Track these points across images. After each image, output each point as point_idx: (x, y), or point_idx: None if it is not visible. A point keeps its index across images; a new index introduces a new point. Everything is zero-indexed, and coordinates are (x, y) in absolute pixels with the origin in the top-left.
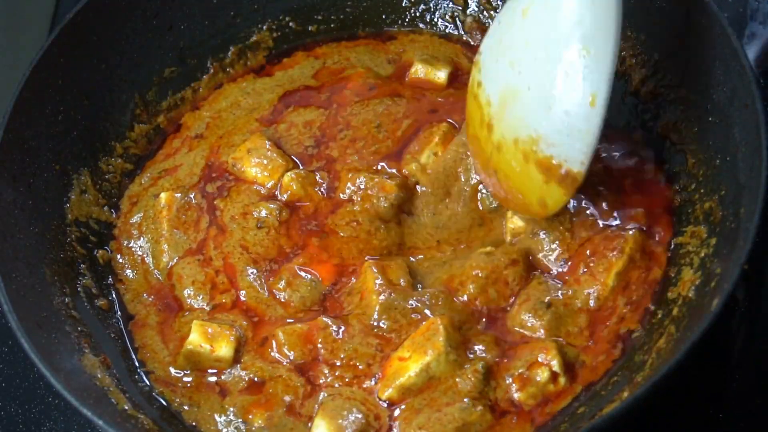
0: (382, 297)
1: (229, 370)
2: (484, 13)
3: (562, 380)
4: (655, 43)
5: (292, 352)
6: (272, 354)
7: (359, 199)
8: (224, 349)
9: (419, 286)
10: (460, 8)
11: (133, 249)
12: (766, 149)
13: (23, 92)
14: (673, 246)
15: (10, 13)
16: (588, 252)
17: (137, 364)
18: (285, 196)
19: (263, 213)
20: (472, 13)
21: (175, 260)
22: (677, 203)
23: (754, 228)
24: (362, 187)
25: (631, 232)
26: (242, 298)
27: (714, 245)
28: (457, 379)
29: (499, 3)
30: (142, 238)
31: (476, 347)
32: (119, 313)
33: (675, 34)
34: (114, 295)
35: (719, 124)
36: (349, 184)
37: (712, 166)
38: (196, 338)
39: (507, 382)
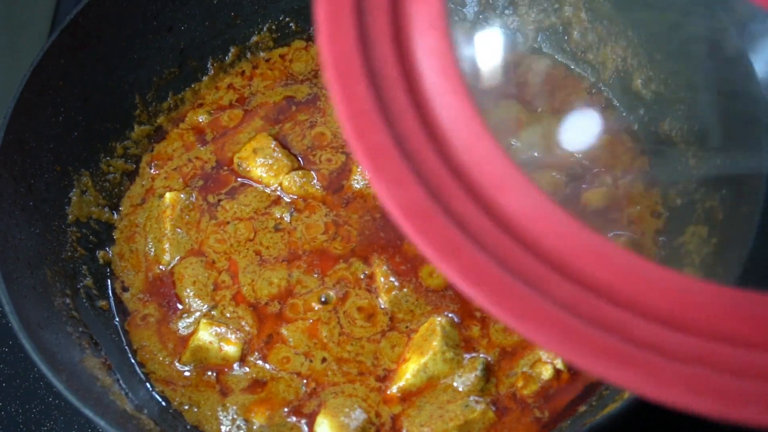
0: (392, 294)
1: (231, 369)
2: (485, 12)
3: (565, 377)
4: (656, 43)
5: (296, 350)
6: (277, 352)
7: (371, 192)
8: (231, 348)
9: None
10: (461, 8)
11: (135, 249)
12: (767, 148)
13: (24, 93)
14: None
15: (10, 14)
16: None
17: (138, 365)
18: (291, 195)
19: (269, 213)
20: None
21: (176, 260)
22: (677, 203)
23: (755, 228)
24: None
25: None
26: (245, 297)
27: (715, 245)
28: (457, 377)
29: (499, 3)
30: (143, 239)
31: (478, 345)
32: (120, 313)
33: None
34: (115, 296)
35: (720, 123)
36: (357, 176)
37: (713, 166)
38: (203, 336)
39: (510, 379)
